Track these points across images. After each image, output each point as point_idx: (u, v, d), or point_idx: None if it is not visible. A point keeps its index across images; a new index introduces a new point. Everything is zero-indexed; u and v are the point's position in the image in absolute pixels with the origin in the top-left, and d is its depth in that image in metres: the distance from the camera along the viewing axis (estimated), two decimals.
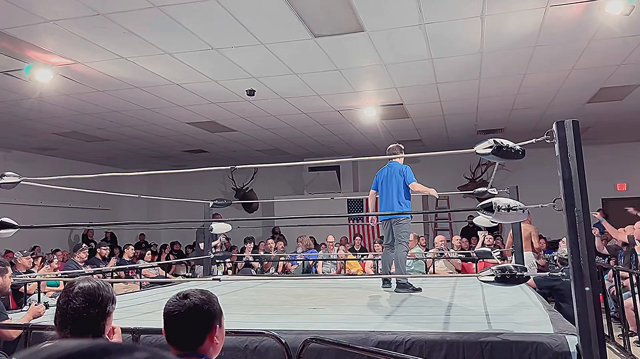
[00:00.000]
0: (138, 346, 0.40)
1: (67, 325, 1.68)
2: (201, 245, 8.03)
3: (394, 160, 5.19)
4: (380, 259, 6.21)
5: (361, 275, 7.97)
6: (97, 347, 0.38)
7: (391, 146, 5.26)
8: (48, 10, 4.63)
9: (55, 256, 7.66)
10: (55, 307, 1.74)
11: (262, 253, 9.36)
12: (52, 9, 4.61)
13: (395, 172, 5.08)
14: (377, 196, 5.27)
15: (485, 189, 6.35)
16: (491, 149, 2.89)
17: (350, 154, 12.35)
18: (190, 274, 9.26)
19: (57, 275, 6.70)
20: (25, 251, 7.09)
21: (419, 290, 4.91)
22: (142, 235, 13.65)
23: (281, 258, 9.14)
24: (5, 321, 3.57)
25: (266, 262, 9.14)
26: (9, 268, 4.02)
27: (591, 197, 2.67)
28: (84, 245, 8.67)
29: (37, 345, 0.40)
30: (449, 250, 8.60)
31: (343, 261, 8.44)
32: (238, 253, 9.65)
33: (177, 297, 1.68)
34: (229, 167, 4.26)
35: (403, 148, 5.29)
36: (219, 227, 6.63)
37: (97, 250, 8.77)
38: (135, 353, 0.39)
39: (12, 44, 5.35)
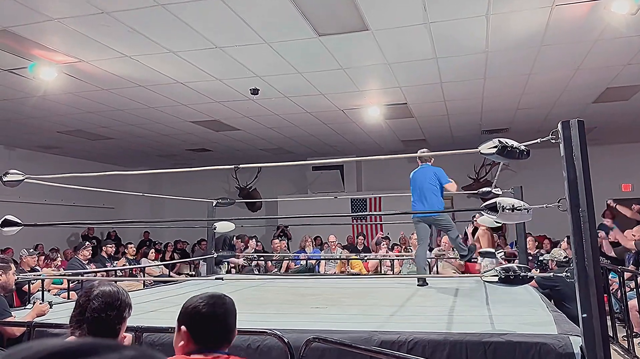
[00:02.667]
0: (126, 346, 0.40)
1: (83, 324, 1.76)
2: (235, 242, 8.04)
3: (426, 163, 5.53)
4: (379, 259, 6.25)
5: (364, 274, 7.95)
6: (86, 344, 0.38)
7: (424, 150, 5.56)
8: (52, 9, 4.64)
9: (58, 254, 7.68)
10: (74, 306, 1.82)
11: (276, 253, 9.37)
12: (56, 7, 4.62)
13: (431, 175, 5.42)
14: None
15: (490, 189, 6.32)
16: (496, 149, 2.88)
17: (354, 153, 12.33)
18: (194, 273, 9.26)
19: (61, 273, 6.72)
20: (31, 250, 7.12)
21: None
22: (147, 232, 13.68)
23: (285, 258, 9.13)
24: (9, 319, 3.58)
25: (270, 264, 9.13)
26: (12, 266, 4.04)
27: (596, 198, 2.65)
28: (87, 243, 8.69)
29: (29, 342, 0.39)
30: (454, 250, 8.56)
31: (345, 262, 8.43)
32: (241, 251, 9.64)
33: (204, 299, 1.77)
34: (233, 166, 4.25)
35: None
36: (222, 226, 6.63)
37: (103, 247, 8.79)
38: (124, 351, 0.39)
39: (16, 42, 5.36)
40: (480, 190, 6.67)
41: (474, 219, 7.98)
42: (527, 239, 7.52)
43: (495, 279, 2.94)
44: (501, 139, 2.90)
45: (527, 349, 2.55)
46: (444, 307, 4.00)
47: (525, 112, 8.83)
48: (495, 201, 2.90)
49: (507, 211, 2.87)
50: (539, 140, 2.87)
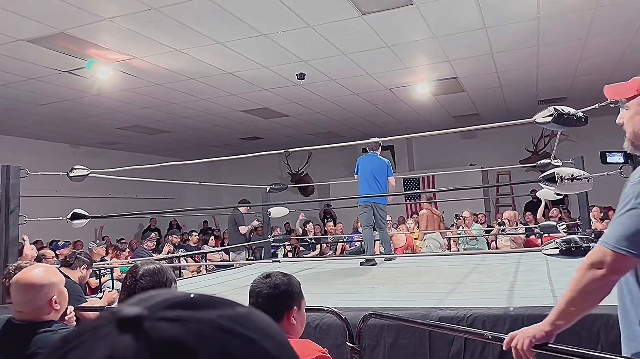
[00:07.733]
0: (238, 302, 0.42)
1: None
2: (241, 229, 8.23)
3: (375, 152, 5.88)
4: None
5: (419, 253, 7.89)
6: (203, 298, 0.40)
7: (374, 140, 5.77)
8: (104, 9, 4.83)
9: (126, 245, 8.09)
10: (121, 288, 1.83)
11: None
12: (107, 7, 4.80)
13: (383, 165, 5.84)
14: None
15: (549, 161, 6.09)
16: (551, 117, 2.77)
17: (404, 133, 12.15)
18: (253, 257, 9.50)
19: (129, 261, 7.06)
20: (98, 241, 7.54)
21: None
22: (206, 221, 14.15)
23: (339, 240, 9.20)
24: (84, 304, 3.81)
25: (325, 246, 9.23)
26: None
27: None
28: (152, 234, 9.13)
29: (142, 294, 0.42)
30: (516, 225, 8.35)
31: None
32: (297, 236, 9.79)
33: (261, 277, 1.84)
34: (283, 151, 4.34)
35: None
36: (277, 211, 6.75)
37: (169, 237, 9.25)
38: (237, 307, 0.41)
39: (73, 43, 5.62)
40: (539, 162, 6.43)
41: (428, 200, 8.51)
42: (593, 209, 7.24)
43: (556, 252, 2.85)
44: (557, 107, 2.80)
45: (592, 322, 2.46)
46: (504, 283, 3.93)
47: (584, 79, 8.40)
48: (554, 172, 2.81)
49: (566, 181, 2.78)
50: (597, 105, 2.74)
